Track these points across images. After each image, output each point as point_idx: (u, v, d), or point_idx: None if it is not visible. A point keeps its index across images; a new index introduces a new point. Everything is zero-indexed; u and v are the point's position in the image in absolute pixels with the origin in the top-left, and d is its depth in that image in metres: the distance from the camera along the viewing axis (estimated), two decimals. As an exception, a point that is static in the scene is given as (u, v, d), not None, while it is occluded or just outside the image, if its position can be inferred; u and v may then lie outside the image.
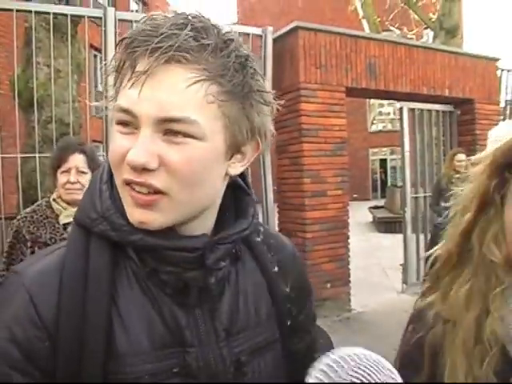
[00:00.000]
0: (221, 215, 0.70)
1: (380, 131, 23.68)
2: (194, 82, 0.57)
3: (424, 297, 0.79)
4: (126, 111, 0.59)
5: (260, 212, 4.78)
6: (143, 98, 0.57)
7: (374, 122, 24.23)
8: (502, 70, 6.70)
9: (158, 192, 0.59)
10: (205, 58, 0.58)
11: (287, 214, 5.11)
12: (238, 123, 0.62)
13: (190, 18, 0.59)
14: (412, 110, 5.88)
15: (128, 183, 0.60)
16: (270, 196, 4.83)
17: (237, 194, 0.73)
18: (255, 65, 0.63)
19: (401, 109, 5.81)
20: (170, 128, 0.58)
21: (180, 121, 0.57)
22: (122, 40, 0.59)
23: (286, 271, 0.78)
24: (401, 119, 5.84)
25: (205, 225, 0.67)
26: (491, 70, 6.42)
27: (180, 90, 0.57)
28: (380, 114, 24.23)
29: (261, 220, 4.75)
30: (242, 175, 0.73)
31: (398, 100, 5.99)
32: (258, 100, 0.63)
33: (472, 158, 0.76)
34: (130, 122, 0.59)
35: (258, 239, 0.77)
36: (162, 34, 0.56)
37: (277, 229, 5.10)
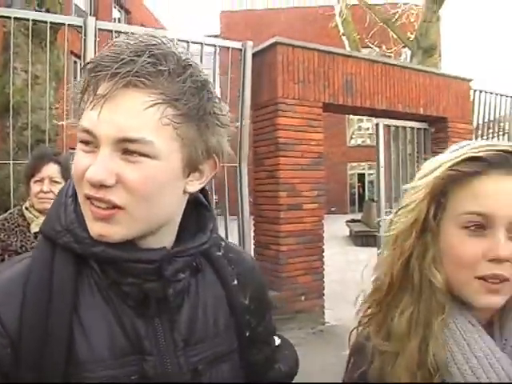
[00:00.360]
0: (182, 230, 0.73)
1: (359, 146, 24.01)
2: (151, 106, 0.61)
3: (360, 326, 0.80)
4: (87, 131, 0.62)
5: (236, 224, 4.79)
6: (102, 120, 0.60)
7: (353, 136, 24.56)
8: (475, 91, 6.90)
9: (115, 207, 0.62)
10: (161, 82, 0.61)
11: (262, 227, 5.13)
12: (193, 144, 0.65)
13: (149, 45, 0.63)
14: (388, 127, 5.99)
15: (88, 198, 0.63)
16: (246, 208, 4.85)
17: (198, 210, 0.76)
18: (212, 88, 0.67)
19: (377, 125, 5.90)
20: (126, 147, 0.61)
21: (136, 141, 0.61)
22: (86, 64, 0.63)
23: (245, 284, 0.81)
24: (377, 135, 5.93)
25: (164, 239, 0.70)
26: (465, 89, 6.60)
27: (137, 113, 0.61)
28: (359, 128, 24.60)
29: (236, 232, 4.76)
30: (204, 192, 0.76)
31: (375, 116, 6.12)
32: (214, 122, 0.67)
33: (410, 184, 0.77)
34: (91, 142, 0.63)
35: (219, 253, 0.80)
36: (121, 59, 0.60)
37: (252, 241, 5.11)
